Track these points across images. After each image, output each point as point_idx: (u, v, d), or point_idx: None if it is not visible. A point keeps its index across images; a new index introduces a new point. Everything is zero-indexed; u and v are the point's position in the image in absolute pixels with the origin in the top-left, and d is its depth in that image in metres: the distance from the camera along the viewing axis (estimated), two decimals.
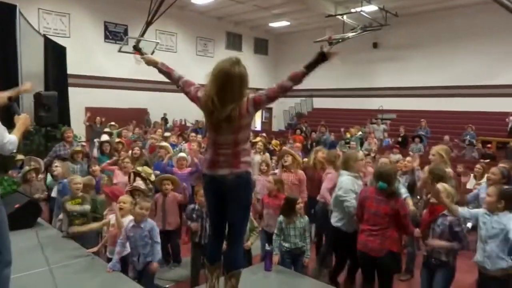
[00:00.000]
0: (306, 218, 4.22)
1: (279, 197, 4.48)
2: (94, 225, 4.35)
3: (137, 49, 3.27)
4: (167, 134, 10.47)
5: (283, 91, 2.61)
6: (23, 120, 2.88)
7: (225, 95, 2.53)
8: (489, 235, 3.18)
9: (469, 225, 4.74)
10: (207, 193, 2.92)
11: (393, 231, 3.53)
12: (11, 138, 2.61)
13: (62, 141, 6.71)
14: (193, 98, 2.81)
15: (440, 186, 3.44)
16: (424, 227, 3.57)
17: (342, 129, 14.23)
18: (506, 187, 3.46)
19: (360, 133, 13.82)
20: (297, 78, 2.59)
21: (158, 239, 3.71)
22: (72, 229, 4.27)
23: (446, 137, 12.36)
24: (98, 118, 12.06)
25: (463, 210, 3.38)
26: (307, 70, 2.58)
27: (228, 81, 2.52)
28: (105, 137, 9.92)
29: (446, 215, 3.38)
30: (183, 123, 17.17)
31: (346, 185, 3.99)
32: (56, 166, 5.35)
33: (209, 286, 2.90)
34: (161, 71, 2.97)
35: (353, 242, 3.79)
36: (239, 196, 2.72)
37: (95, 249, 4.06)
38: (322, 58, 2.60)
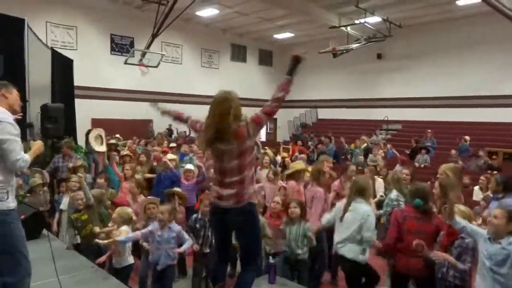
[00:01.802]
0: (307, 225, 4.16)
1: (281, 217, 4.44)
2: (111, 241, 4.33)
3: (152, 105, 3.45)
4: (172, 145, 10.57)
5: (277, 103, 2.72)
6: (38, 146, 3.03)
7: (217, 118, 2.69)
8: (498, 263, 2.91)
9: None
10: (213, 221, 3.21)
11: (431, 250, 3.44)
12: (25, 156, 2.73)
13: (61, 153, 6.76)
14: (197, 132, 3.04)
15: (456, 208, 3.36)
16: (443, 249, 3.44)
17: (360, 138, 14.20)
18: None
19: (365, 144, 13.77)
20: (286, 86, 2.71)
21: (187, 237, 4.00)
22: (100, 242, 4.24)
23: (453, 151, 12.29)
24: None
25: (461, 221, 3.17)
26: (290, 76, 2.72)
27: (216, 106, 2.72)
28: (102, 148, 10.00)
29: (464, 237, 3.29)
30: (187, 133, 17.22)
31: (370, 218, 3.71)
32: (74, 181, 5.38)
33: None
34: (174, 118, 3.27)
35: (369, 271, 3.81)
36: (245, 224, 2.83)
37: (103, 258, 4.10)
38: (296, 60, 2.74)
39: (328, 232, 4.55)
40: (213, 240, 4.20)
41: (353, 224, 3.70)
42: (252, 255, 2.93)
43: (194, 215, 4.42)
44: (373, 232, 3.68)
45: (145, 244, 4.16)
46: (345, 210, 3.80)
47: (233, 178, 2.74)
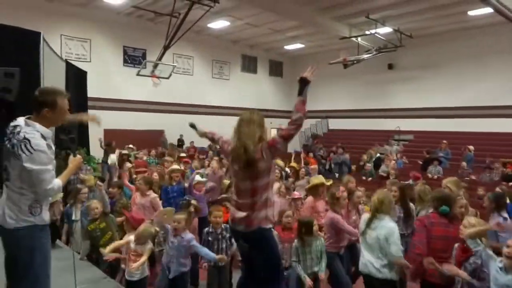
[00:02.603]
0: (322, 239, 4.13)
1: (293, 229, 4.37)
2: (117, 243, 4.35)
3: (192, 126, 3.55)
4: (182, 154, 10.63)
5: (294, 125, 2.71)
6: (76, 163, 2.93)
7: (240, 137, 2.79)
8: None
9: None
10: (236, 241, 3.37)
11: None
12: (55, 185, 2.62)
13: None
14: (224, 152, 3.16)
15: (465, 221, 3.34)
16: (458, 264, 3.39)
17: (372, 148, 14.16)
18: None
19: (378, 154, 13.68)
20: (299, 106, 2.72)
21: (199, 246, 4.01)
22: (104, 255, 4.21)
23: (464, 164, 12.21)
24: (113, 142, 12.28)
25: (475, 244, 3.14)
26: (301, 96, 2.73)
27: (241, 125, 2.83)
28: (113, 157, 10.09)
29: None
30: (194, 145, 17.20)
31: (396, 233, 3.58)
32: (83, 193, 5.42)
33: None
34: (208, 138, 3.47)
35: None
36: (257, 250, 2.84)
37: (113, 256, 4.11)
38: (304, 81, 2.74)
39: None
40: (229, 253, 4.29)
41: (379, 241, 3.58)
42: (265, 280, 2.88)
43: (206, 229, 4.37)
44: (399, 247, 3.53)
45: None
46: (368, 226, 3.66)
47: (245, 200, 2.78)
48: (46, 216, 2.69)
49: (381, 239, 3.54)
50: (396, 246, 3.50)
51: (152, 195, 5.45)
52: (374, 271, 3.58)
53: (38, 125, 2.59)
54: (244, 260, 3.11)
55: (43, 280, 2.65)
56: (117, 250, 4.20)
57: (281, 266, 2.96)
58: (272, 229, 2.92)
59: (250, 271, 3.04)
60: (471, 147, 13.38)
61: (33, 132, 2.54)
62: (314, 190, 5.15)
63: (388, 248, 3.51)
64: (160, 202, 5.64)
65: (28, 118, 2.63)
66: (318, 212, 5.02)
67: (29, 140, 2.49)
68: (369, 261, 3.63)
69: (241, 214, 2.78)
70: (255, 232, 2.75)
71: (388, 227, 3.56)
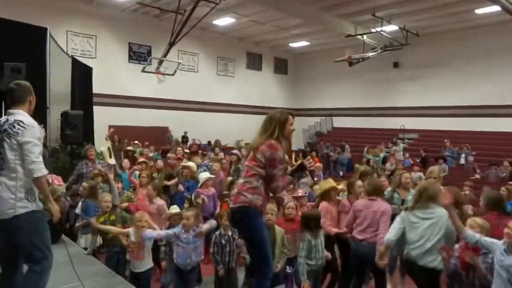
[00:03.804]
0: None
1: (295, 221, 4.32)
2: (115, 229, 4.38)
3: None
4: (186, 151, 10.64)
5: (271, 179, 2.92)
6: (55, 208, 3.02)
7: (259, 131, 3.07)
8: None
9: None
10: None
11: None
12: (42, 162, 2.83)
13: (85, 159, 6.81)
14: None
15: (473, 222, 3.29)
16: (464, 265, 3.31)
17: (366, 148, 14.17)
18: None
19: (382, 154, 13.67)
20: (284, 183, 3.01)
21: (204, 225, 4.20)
22: (94, 224, 4.38)
23: (471, 158, 12.23)
24: (116, 136, 12.32)
25: (472, 234, 3.09)
26: (292, 177, 3.10)
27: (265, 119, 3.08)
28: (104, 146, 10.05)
29: (486, 253, 3.18)
30: (197, 142, 17.22)
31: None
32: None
33: None
34: None
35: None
36: (240, 228, 3.14)
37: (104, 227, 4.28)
38: (302, 168, 3.06)
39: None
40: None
41: (436, 231, 3.44)
42: (255, 260, 3.01)
43: (218, 231, 4.34)
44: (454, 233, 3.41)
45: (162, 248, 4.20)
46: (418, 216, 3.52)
47: (241, 179, 3.03)
48: (41, 203, 2.96)
49: (441, 228, 3.43)
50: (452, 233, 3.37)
51: (159, 202, 5.38)
52: (436, 263, 3.45)
53: (21, 111, 2.93)
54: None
55: (47, 248, 2.94)
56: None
57: (265, 252, 2.92)
58: (257, 212, 2.92)
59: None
60: (468, 146, 13.82)
61: (20, 115, 2.88)
62: (326, 195, 4.83)
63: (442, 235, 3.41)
64: (166, 209, 5.59)
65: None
66: (332, 219, 4.72)
67: (21, 120, 2.84)
68: (425, 253, 3.49)
69: (235, 190, 3.08)
70: (238, 208, 2.90)
71: (439, 214, 3.45)
